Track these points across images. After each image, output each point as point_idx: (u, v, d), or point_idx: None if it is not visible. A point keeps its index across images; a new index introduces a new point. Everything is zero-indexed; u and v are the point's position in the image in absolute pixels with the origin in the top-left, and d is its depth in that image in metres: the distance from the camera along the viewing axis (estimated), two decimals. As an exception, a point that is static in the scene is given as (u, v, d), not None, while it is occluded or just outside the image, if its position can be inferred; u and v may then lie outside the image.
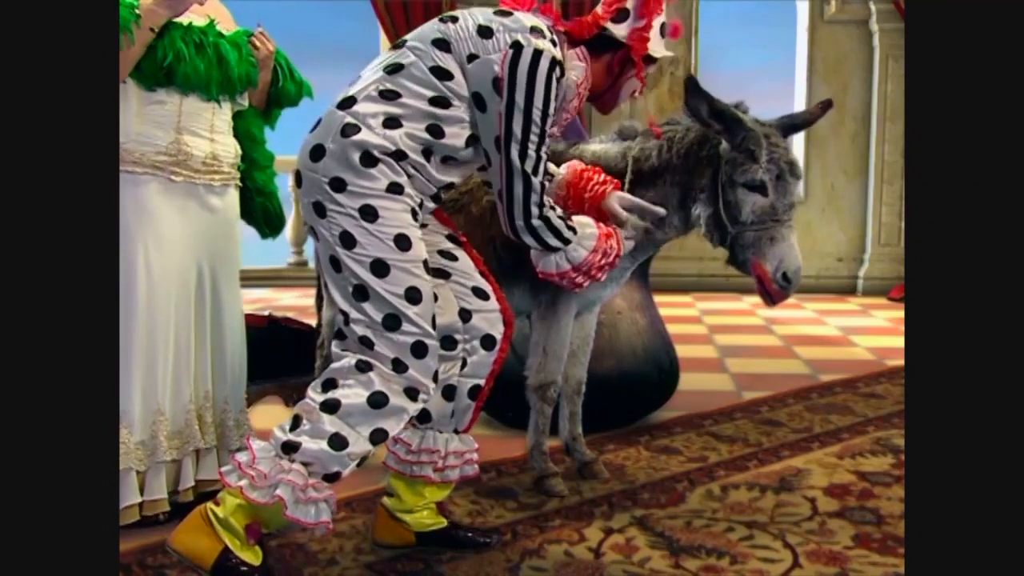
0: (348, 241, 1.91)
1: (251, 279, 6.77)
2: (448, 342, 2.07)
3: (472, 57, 1.97)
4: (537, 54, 1.95)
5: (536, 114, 1.96)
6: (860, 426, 3.40)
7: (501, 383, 2.28)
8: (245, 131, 2.58)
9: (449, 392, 2.13)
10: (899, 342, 5.01)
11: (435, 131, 1.96)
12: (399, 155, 1.93)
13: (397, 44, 2.08)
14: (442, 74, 1.97)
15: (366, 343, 1.92)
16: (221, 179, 2.45)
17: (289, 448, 1.87)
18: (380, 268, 1.91)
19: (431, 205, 2.07)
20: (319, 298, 2.95)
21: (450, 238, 2.18)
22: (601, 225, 2.18)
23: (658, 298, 3.72)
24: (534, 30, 2.00)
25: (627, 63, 2.18)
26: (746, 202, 2.37)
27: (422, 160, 1.96)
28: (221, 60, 2.36)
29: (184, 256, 2.37)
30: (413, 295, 1.92)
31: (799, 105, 8.13)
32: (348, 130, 1.92)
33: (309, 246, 7.64)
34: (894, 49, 7.92)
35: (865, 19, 8.13)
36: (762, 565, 2.15)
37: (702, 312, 6.88)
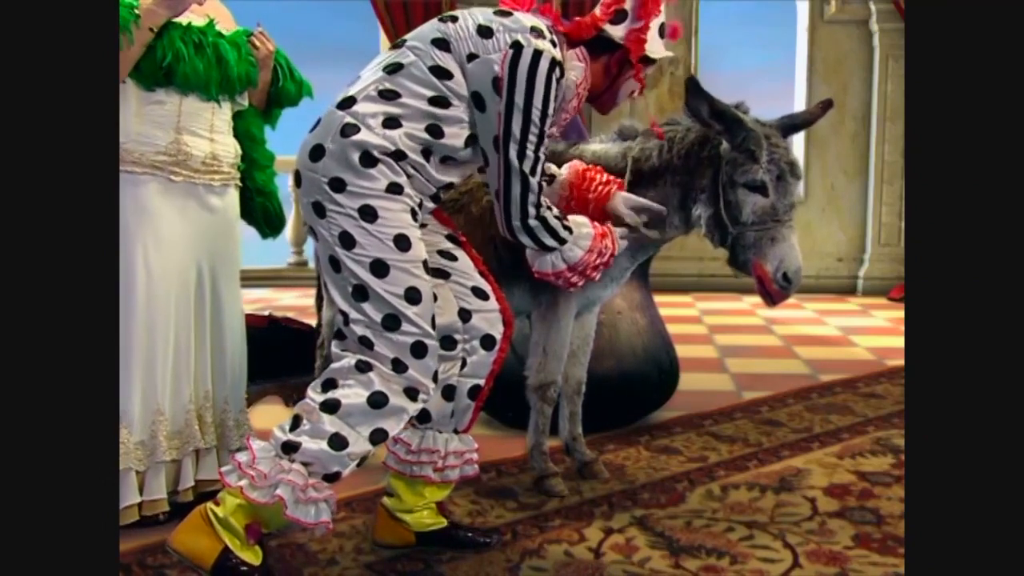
0: (348, 241, 1.91)
1: (251, 279, 6.78)
2: (448, 342, 2.07)
3: (472, 56, 1.98)
4: (537, 54, 1.95)
5: (535, 114, 1.96)
6: (860, 426, 3.40)
7: (501, 383, 2.28)
8: (245, 131, 2.58)
9: (449, 392, 2.13)
10: (899, 342, 5.01)
11: (434, 131, 1.96)
12: (398, 155, 1.93)
13: (397, 44, 2.08)
14: (442, 73, 1.97)
15: (366, 343, 1.92)
16: (221, 179, 2.45)
17: (289, 448, 1.87)
18: (380, 268, 1.91)
19: (430, 205, 2.07)
20: (319, 298, 2.95)
21: (450, 238, 2.18)
22: (596, 225, 2.19)
23: (658, 298, 3.72)
24: (534, 30, 2.00)
25: (625, 64, 2.19)
26: (747, 202, 2.37)
27: (421, 160, 1.96)
28: (220, 60, 2.36)
29: (184, 256, 2.37)
30: (413, 295, 1.92)
31: (799, 105, 8.13)
32: (348, 130, 1.92)
33: (309, 246, 7.64)
34: (894, 49, 7.92)
35: (865, 19, 8.13)
36: (762, 565, 2.15)
37: (702, 312, 6.88)
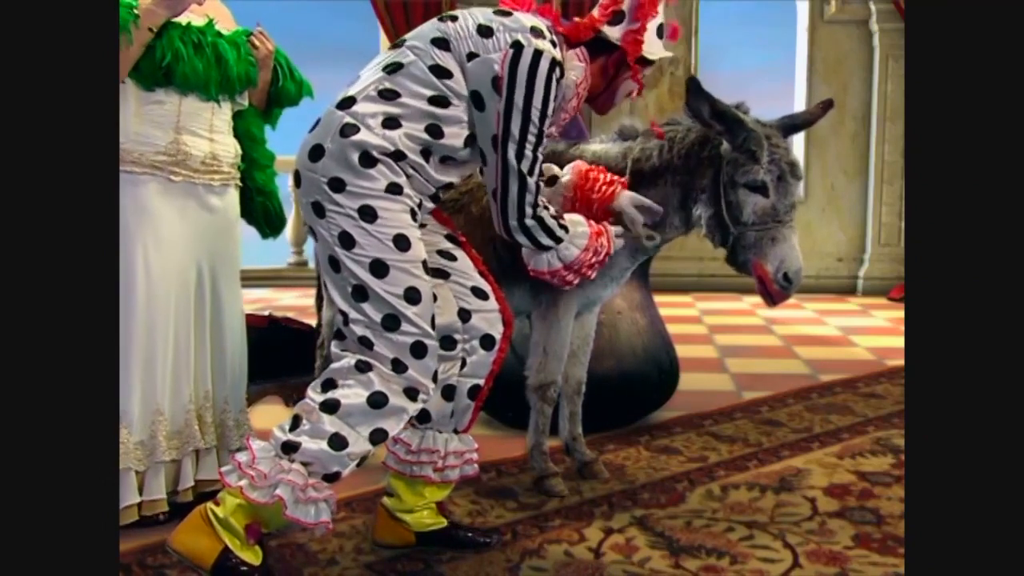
0: (347, 241, 1.91)
1: (251, 279, 6.77)
2: (447, 342, 2.07)
3: (472, 56, 1.98)
4: (537, 54, 1.96)
5: (535, 114, 1.96)
6: (860, 426, 3.40)
7: (501, 383, 2.28)
8: (245, 131, 2.58)
9: (449, 392, 2.13)
10: (899, 342, 5.01)
11: (434, 131, 1.96)
12: (398, 155, 1.93)
13: (396, 44, 2.08)
14: (441, 73, 1.97)
15: (365, 343, 1.92)
16: (221, 179, 2.45)
17: (289, 448, 1.87)
18: (379, 268, 1.91)
19: (430, 205, 2.07)
20: (319, 298, 2.95)
21: (449, 238, 2.18)
22: (592, 223, 2.20)
23: (658, 298, 3.72)
24: (534, 30, 2.00)
25: (622, 65, 2.19)
26: (747, 203, 2.37)
27: (421, 160, 1.96)
28: (220, 60, 2.36)
29: (183, 256, 2.37)
30: (412, 295, 1.92)
31: (799, 105, 8.13)
32: (347, 130, 1.92)
33: (309, 246, 7.64)
34: (894, 49, 7.92)
35: (865, 19, 8.13)
36: (762, 565, 2.15)
37: (702, 312, 6.88)
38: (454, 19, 2.03)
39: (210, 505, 1.91)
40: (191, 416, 2.40)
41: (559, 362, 2.64)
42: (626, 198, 2.35)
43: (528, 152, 1.98)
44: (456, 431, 2.19)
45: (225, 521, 1.88)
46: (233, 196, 2.52)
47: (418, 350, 1.93)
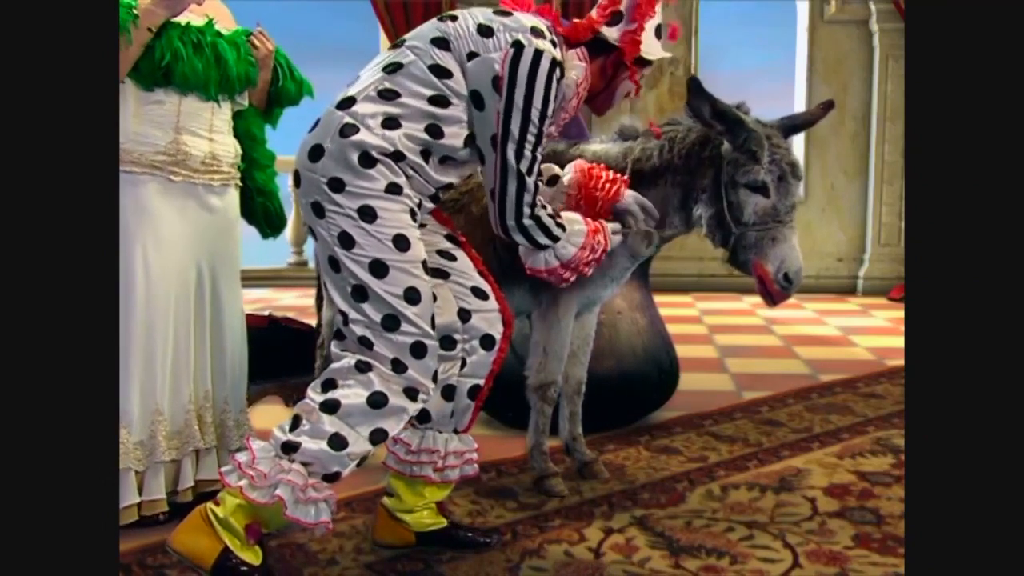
0: (347, 241, 1.91)
1: (251, 279, 6.77)
2: (447, 342, 2.07)
3: (472, 55, 1.98)
4: (538, 54, 1.96)
5: (534, 114, 1.96)
6: (860, 426, 3.40)
7: (501, 383, 2.28)
8: (245, 131, 2.58)
9: (449, 392, 2.13)
10: (899, 342, 5.01)
11: (434, 131, 1.96)
12: (398, 156, 1.93)
13: (396, 44, 2.08)
14: (441, 72, 1.97)
15: (365, 343, 1.92)
16: (221, 179, 2.44)
17: (289, 448, 1.87)
18: (379, 268, 1.91)
19: (429, 205, 2.07)
20: (319, 298, 2.95)
21: (449, 238, 2.18)
22: (589, 221, 2.20)
23: (658, 298, 3.72)
24: (535, 31, 2.00)
25: (620, 66, 2.20)
26: (748, 203, 2.37)
27: (420, 161, 1.96)
28: (219, 59, 2.36)
29: (183, 256, 2.37)
30: (412, 295, 1.92)
31: (799, 105, 8.14)
32: (347, 130, 1.92)
33: (309, 246, 7.63)
34: (894, 49, 7.92)
35: (865, 19, 8.13)
36: (762, 565, 2.15)
37: (702, 312, 6.88)
38: (454, 19, 2.03)
39: (210, 505, 1.91)
40: (191, 416, 2.40)
41: (559, 362, 2.64)
42: (630, 196, 2.36)
43: (527, 152, 1.98)
44: (456, 431, 2.18)
45: (225, 521, 1.88)
46: (233, 196, 2.52)
47: (418, 350, 1.93)
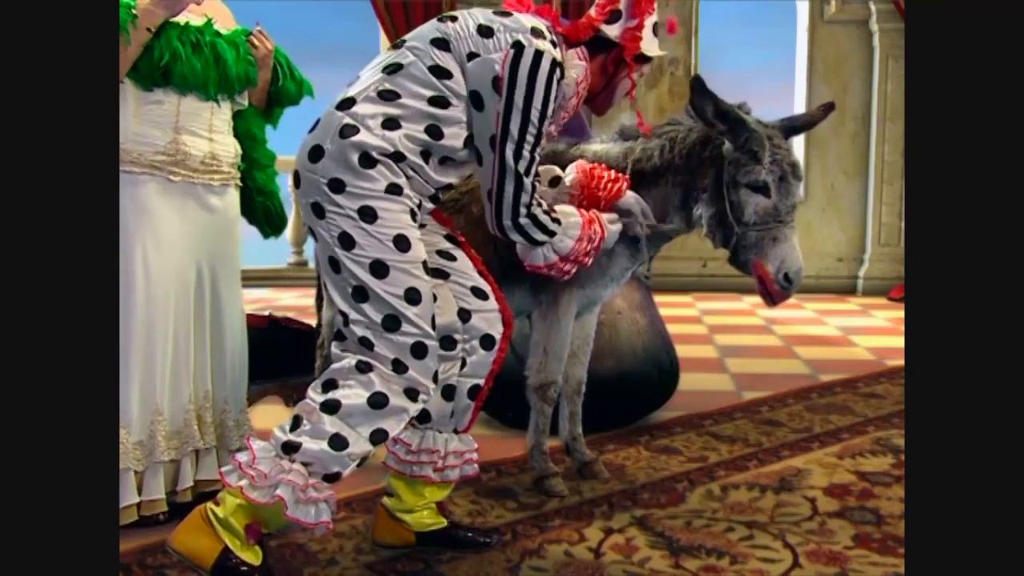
0: (347, 242, 1.91)
1: (251, 279, 6.77)
2: (447, 342, 2.07)
3: (472, 56, 1.98)
4: (539, 55, 1.96)
5: (534, 115, 1.96)
6: (860, 426, 3.40)
7: (501, 383, 2.28)
8: (245, 130, 2.58)
9: (449, 392, 2.13)
10: (899, 342, 5.01)
11: (434, 132, 1.96)
12: (398, 156, 1.93)
13: (396, 44, 2.08)
14: (441, 73, 1.97)
15: (366, 344, 1.92)
16: (220, 179, 2.44)
17: (289, 448, 1.87)
18: (379, 269, 1.91)
19: (429, 206, 2.07)
20: (319, 298, 2.95)
21: (448, 238, 2.18)
22: (583, 212, 2.21)
23: (658, 298, 3.72)
24: (535, 31, 2.00)
25: (620, 63, 2.20)
26: (748, 203, 2.38)
27: (420, 162, 1.96)
28: (218, 59, 2.36)
29: (183, 256, 2.37)
30: (412, 296, 1.92)
31: (799, 105, 8.15)
32: (347, 131, 1.92)
33: (309, 246, 7.64)
34: (894, 49, 7.92)
35: (865, 19, 8.13)
36: (762, 565, 2.15)
37: (702, 312, 6.88)
38: (454, 19, 2.03)
39: (210, 505, 1.91)
40: (190, 416, 2.40)
41: (559, 362, 2.64)
42: (631, 196, 2.37)
43: (526, 153, 1.98)
44: (456, 431, 2.18)
45: (225, 521, 1.88)
46: (233, 196, 2.51)
47: (418, 351, 1.93)
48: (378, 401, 1.90)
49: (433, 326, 1.96)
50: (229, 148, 2.47)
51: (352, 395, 1.90)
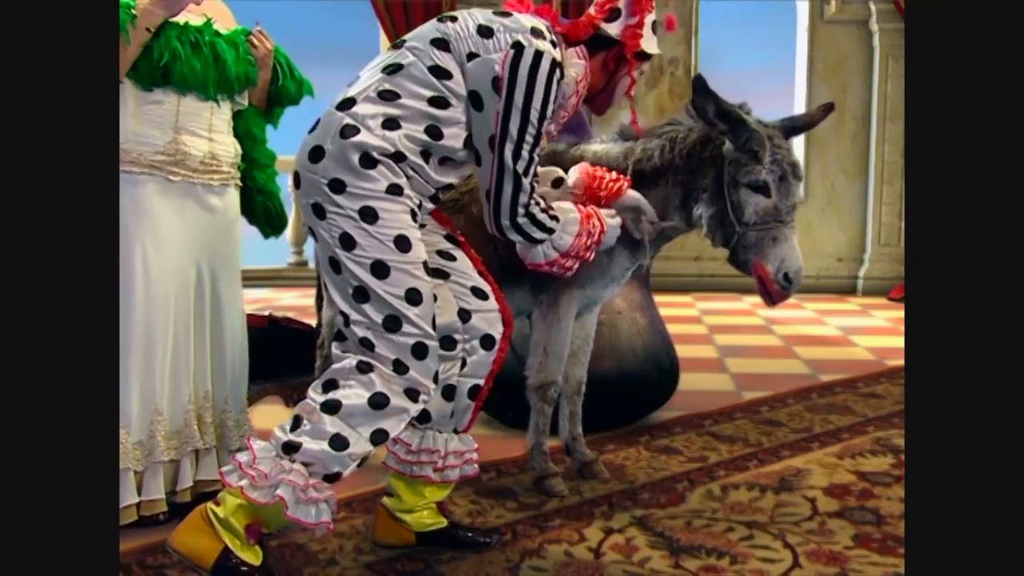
0: (348, 242, 1.91)
1: (251, 279, 6.76)
2: (447, 342, 2.07)
3: (472, 56, 1.98)
4: (538, 55, 1.96)
5: (534, 115, 1.96)
6: (860, 426, 3.40)
7: (501, 383, 2.28)
8: (245, 130, 2.58)
9: (449, 392, 2.13)
10: (899, 342, 5.01)
11: (434, 132, 1.97)
12: (398, 156, 1.93)
13: (396, 44, 2.08)
14: (441, 73, 1.97)
15: (366, 344, 1.92)
16: (220, 179, 2.44)
17: (290, 448, 1.87)
18: (380, 269, 1.91)
19: (430, 206, 2.07)
20: (319, 298, 2.95)
21: (448, 238, 2.18)
22: (581, 208, 2.21)
23: (658, 298, 3.72)
24: (534, 31, 2.00)
25: (621, 60, 2.20)
26: (749, 203, 2.38)
27: (420, 162, 1.97)
28: (218, 59, 2.36)
29: (183, 256, 2.37)
30: (413, 296, 1.93)
31: (799, 105, 8.15)
32: (347, 131, 1.92)
33: (309, 246, 7.64)
34: (894, 49, 7.92)
35: (865, 19, 8.13)
36: (762, 565, 2.15)
37: (702, 312, 6.88)
38: (454, 20, 2.03)
39: (210, 505, 1.91)
40: (190, 416, 2.40)
41: (559, 362, 2.64)
42: (633, 193, 2.37)
43: (525, 153, 1.98)
44: (456, 431, 2.19)
45: (225, 521, 1.88)
46: (233, 196, 2.51)
47: (419, 351, 1.93)
48: (379, 401, 1.90)
49: (433, 326, 1.96)
50: (229, 148, 2.47)
51: (353, 395, 1.90)
